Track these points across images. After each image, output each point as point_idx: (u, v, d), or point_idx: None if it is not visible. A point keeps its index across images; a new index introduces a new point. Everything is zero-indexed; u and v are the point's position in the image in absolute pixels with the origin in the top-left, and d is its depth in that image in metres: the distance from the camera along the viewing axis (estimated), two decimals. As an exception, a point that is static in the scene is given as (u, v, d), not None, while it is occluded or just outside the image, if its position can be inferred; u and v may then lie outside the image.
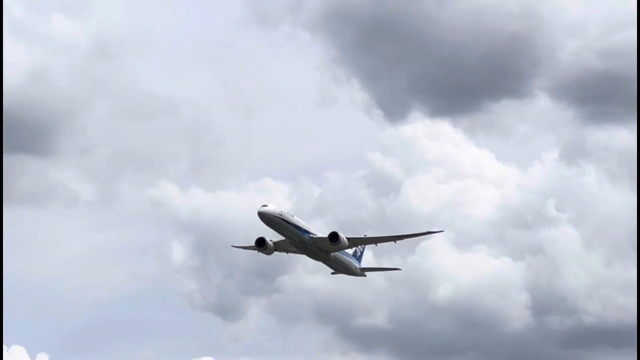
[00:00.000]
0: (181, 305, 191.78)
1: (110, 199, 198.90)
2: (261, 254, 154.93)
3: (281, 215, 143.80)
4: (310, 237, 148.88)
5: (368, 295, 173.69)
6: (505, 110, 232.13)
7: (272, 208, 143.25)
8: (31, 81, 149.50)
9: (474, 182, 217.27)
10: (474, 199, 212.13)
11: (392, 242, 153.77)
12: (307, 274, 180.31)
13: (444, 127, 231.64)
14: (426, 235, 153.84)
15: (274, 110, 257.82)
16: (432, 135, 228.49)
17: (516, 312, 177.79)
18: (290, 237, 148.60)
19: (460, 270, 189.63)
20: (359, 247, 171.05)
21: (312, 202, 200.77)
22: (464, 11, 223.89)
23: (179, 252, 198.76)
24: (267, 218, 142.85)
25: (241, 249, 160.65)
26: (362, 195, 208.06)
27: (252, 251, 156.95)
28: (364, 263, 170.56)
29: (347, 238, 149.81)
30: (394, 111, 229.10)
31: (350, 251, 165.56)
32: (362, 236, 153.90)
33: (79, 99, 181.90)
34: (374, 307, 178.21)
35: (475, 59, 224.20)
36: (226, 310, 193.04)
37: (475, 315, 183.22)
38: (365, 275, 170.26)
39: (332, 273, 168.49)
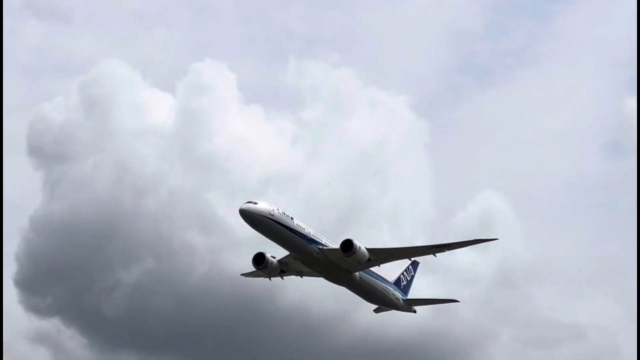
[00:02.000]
0: None
1: None
2: (273, 279, 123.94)
3: (272, 215, 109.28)
4: (319, 248, 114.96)
5: None
6: None
7: (261, 206, 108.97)
8: (438, 314, 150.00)
9: None
10: None
11: (432, 256, 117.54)
12: None
13: None
14: None
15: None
16: None
17: None
18: (293, 249, 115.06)
19: None
20: (405, 274, 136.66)
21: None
22: None
23: None
24: (252, 219, 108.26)
25: (249, 277, 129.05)
26: None
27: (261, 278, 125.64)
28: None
29: (368, 249, 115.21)
30: None
31: (390, 277, 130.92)
32: (390, 247, 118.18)
33: (484, 329, 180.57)
34: None
35: None
36: None
37: None
38: (415, 311, 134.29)
39: (375, 310, 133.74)
